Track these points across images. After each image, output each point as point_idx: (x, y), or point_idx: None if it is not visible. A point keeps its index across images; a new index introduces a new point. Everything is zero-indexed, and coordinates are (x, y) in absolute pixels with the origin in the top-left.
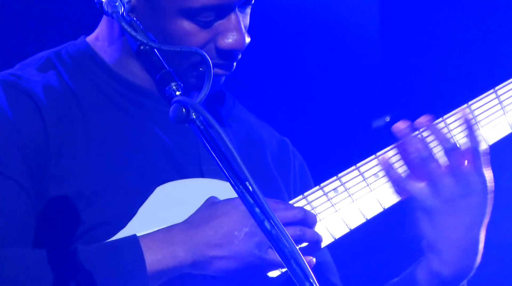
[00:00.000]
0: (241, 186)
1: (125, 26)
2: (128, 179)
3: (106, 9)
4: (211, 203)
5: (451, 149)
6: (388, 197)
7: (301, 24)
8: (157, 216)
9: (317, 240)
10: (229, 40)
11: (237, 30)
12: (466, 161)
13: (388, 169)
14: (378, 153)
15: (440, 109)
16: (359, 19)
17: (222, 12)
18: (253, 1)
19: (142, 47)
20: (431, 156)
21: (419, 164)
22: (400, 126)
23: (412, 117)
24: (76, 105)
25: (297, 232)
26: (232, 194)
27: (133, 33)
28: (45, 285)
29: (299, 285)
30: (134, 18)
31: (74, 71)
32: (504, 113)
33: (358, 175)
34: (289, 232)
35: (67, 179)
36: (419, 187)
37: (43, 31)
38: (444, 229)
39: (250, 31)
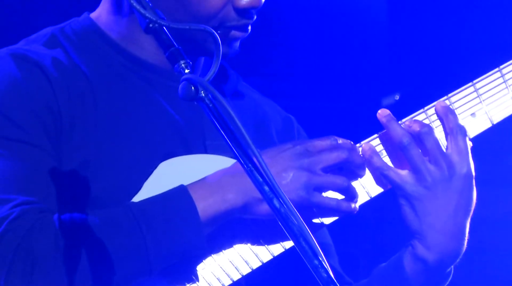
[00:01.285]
0: (250, 164)
1: (134, 4)
2: (135, 153)
3: None
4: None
5: (428, 133)
6: (374, 186)
7: (306, 2)
8: (159, 191)
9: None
10: None
11: None
12: (448, 146)
13: (372, 157)
14: (362, 142)
15: (448, 87)
16: None
17: None
18: None
19: (151, 25)
20: (412, 143)
21: (400, 152)
22: (383, 113)
23: (421, 95)
24: (84, 79)
25: (344, 182)
26: None
27: (142, 10)
28: (107, 246)
29: (308, 263)
30: None
31: (79, 47)
32: (510, 92)
33: None
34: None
35: (76, 149)
36: (401, 174)
37: (44, 7)
38: (428, 215)
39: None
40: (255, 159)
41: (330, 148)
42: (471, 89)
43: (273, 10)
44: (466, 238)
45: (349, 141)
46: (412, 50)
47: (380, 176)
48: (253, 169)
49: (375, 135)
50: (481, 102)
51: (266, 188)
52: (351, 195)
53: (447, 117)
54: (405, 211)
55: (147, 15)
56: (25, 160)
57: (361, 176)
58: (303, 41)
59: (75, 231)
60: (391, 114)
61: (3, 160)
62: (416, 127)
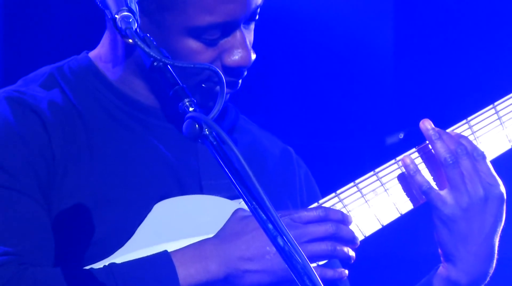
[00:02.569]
0: (254, 202)
1: (139, 43)
2: (130, 195)
3: (120, 26)
4: (241, 217)
5: (465, 153)
6: (404, 204)
7: (310, 32)
8: (156, 233)
9: (349, 257)
10: (235, 57)
11: (242, 47)
12: (479, 169)
13: (414, 172)
14: (398, 158)
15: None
16: (371, 27)
17: (228, 29)
18: (257, 17)
19: (155, 63)
20: (456, 162)
21: (444, 169)
22: (428, 125)
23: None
24: (79, 121)
25: (328, 247)
26: (229, 211)
27: (147, 49)
28: None
29: None
30: (148, 34)
31: (77, 87)
32: (504, 129)
33: (376, 181)
34: (320, 247)
35: (70, 195)
36: (440, 194)
37: (45, 45)
38: (464, 238)
39: (257, 40)
40: (258, 197)
41: (317, 220)
42: (492, 111)
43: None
44: (495, 258)
45: (339, 211)
46: (420, 86)
47: (414, 193)
48: (257, 207)
49: (413, 149)
50: (475, 139)
51: (270, 226)
52: (342, 255)
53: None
54: (441, 233)
55: (151, 53)
56: (13, 208)
57: (353, 246)
58: (305, 70)
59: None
60: (435, 127)
61: None
62: (452, 145)
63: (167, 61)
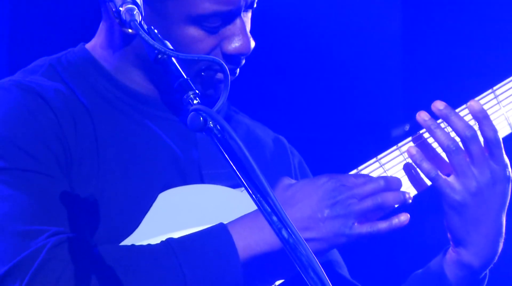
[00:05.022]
0: (258, 195)
1: (143, 35)
2: (135, 185)
3: (124, 18)
4: (287, 186)
5: (473, 137)
6: (407, 190)
7: (312, 23)
8: (162, 223)
9: (403, 198)
10: (236, 44)
11: (243, 35)
12: (486, 150)
13: (420, 160)
14: (399, 144)
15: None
16: (377, 22)
17: (229, 17)
18: (255, 5)
19: (160, 56)
20: (459, 147)
21: (448, 156)
22: (425, 116)
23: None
24: (84, 111)
25: (379, 200)
26: (232, 200)
27: (151, 41)
28: (146, 279)
29: None
30: (152, 27)
31: (76, 78)
32: (503, 113)
33: (379, 167)
34: (368, 203)
35: (78, 184)
36: (448, 181)
37: (41, 37)
38: (474, 222)
39: (256, 32)
40: (263, 189)
41: (368, 188)
42: (491, 95)
43: (268, 31)
44: (503, 235)
45: (397, 178)
46: (426, 77)
47: (417, 179)
48: (261, 199)
49: (409, 139)
50: (500, 108)
51: (275, 218)
52: (393, 201)
53: (485, 120)
54: (451, 219)
55: (156, 46)
56: (46, 190)
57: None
58: (306, 64)
59: (113, 261)
60: (449, 106)
61: (24, 191)
62: (461, 127)
63: (172, 54)
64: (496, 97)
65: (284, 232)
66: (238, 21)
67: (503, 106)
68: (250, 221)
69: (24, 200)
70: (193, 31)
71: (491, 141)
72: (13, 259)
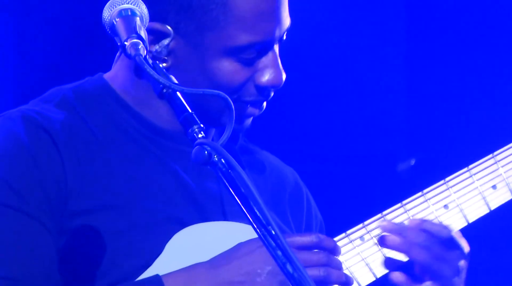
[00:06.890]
0: (263, 229)
1: (148, 69)
2: (151, 221)
3: (129, 52)
4: (237, 244)
5: (447, 239)
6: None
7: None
8: (179, 261)
9: (345, 281)
10: (270, 77)
11: (276, 67)
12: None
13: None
14: (404, 202)
15: (465, 155)
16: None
17: (264, 49)
18: (284, 37)
19: (165, 90)
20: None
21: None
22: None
23: (436, 161)
24: (95, 143)
25: (321, 273)
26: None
27: (156, 75)
28: None
29: None
30: (157, 62)
31: (92, 109)
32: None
33: (404, 213)
34: (313, 273)
35: (87, 217)
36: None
37: (59, 66)
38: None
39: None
40: (269, 226)
41: (310, 246)
42: (492, 161)
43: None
44: None
45: (333, 240)
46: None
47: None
48: (266, 234)
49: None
50: (501, 174)
51: (279, 252)
52: (336, 280)
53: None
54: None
55: (161, 80)
56: (18, 231)
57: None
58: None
59: None
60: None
61: None
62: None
63: (176, 88)
64: (471, 176)
65: (288, 267)
66: (271, 53)
67: (477, 180)
68: (185, 274)
69: None
70: (229, 63)
71: (446, 239)
72: None
